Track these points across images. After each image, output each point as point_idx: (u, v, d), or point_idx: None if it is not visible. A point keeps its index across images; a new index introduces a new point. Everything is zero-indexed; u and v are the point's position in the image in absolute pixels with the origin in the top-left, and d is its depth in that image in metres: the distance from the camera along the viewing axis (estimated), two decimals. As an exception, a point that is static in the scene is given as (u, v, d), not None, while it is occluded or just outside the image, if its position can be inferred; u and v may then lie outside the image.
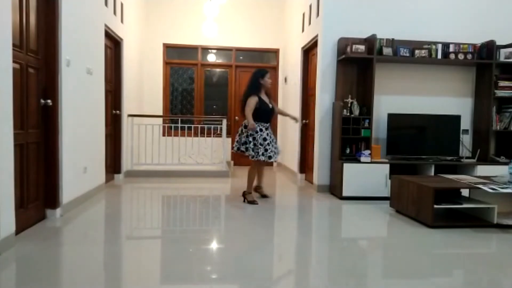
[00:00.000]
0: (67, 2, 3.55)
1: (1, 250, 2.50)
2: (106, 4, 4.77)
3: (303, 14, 5.94)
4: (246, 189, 4.38)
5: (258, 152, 4.20)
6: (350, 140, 4.79)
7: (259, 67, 7.63)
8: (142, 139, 6.38)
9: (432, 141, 4.88)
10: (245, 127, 4.29)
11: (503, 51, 4.80)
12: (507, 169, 3.75)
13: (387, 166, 4.61)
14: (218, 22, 7.08)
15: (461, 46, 4.80)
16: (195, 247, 2.80)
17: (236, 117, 7.53)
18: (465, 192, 3.99)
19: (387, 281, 2.32)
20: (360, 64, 4.88)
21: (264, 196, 4.58)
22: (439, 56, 4.77)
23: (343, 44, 4.80)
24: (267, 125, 4.37)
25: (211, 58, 7.71)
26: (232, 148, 4.50)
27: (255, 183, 4.54)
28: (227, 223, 3.49)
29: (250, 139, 4.24)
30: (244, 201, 4.30)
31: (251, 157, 4.25)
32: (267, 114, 4.35)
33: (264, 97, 4.37)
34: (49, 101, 3.33)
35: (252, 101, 4.25)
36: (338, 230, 3.54)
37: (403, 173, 4.63)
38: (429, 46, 4.76)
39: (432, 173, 4.64)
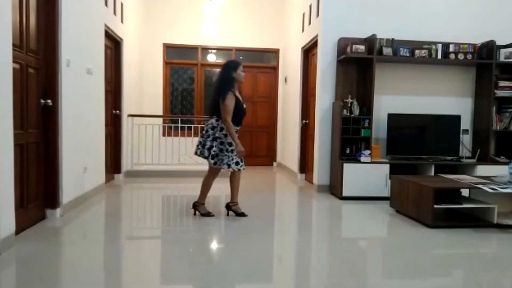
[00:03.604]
0: (67, 2, 3.55)
1: (1, 250, 2.50)
2: (106, 4, 4.77)
3: (303, 14, 5.94)
4: (231, 200, 3.68)
5: (232, 160, 3.47)
6: (350, 140, 4.79)
7: (259, 67, 7.68)
8: (142, 139, 6.38)
9: (432, 141, 4.88)
10: (213, 128, 3.52)
11: (503, 51, 4.80)
12: (507, 169, 3.75)
13: (387, 166, 4.61)
14: (218, 22, 7.08)
15: (461, 46, 4.80)
16: (195, 247, 2.80)
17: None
18: (465, 192, 3.99)
19: (387, 281, 2.32)
20: (360, 64, 4.88)
21: (240, 214, 3.68)
22: (439, 56, 4.77)
23: (343, 44, 4.80)
24: (238, 128, 3.57)
25: (211, 58, 7.71)
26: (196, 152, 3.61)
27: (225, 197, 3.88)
28: (227, 223, 3.49)
29: (222, 146, 3.48)
30: (227, 214, 3.66)
31: (227, 168, 3.49)
32: (241, 116, 3.56)
33: (238, 95, 3.57)
34: (49, 101, 3.33)
35: (231, 102, 3.40)
36: (338, 230, 3.54)
37: (403, 173, 4.63)
38: (429, 46, 4.76)
39: (432, 173, 4.64)
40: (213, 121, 3.54)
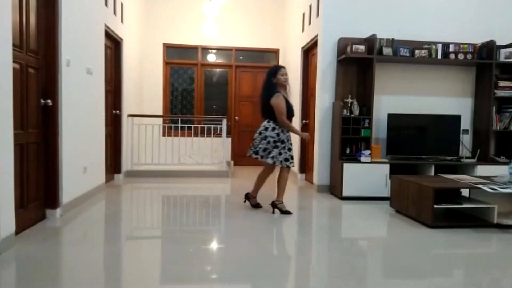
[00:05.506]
0: (67, 2, 3.55)
1: (1, 250, 2.50)
2: (106, 4, 4.77)
3: (303, 14, 5.94)
4: (276, 198, 3.91)
5: (285, 158, 3.78)
6: (350, 140, 4.79)
7: (259, 67, 7.67)
8: (142, 139, 6.38)
9: (432, 141, 4.88)
10: (266, 129, 3.82)
11: (503, 51, 4.80)
12: (507, 169, 3.75)
13: (387, 166, 4.61)
14: (218, 22, 7.08)
15: (461, 46, 4.80)
16: (195, 247, 2.80)
17: (236, 117, 7.52)
18: (465, 192, 3.99)
19: (387, 281, 2.32)
20: (360, 64, 4.88)
21: (256, 205, 4.09)
22: (439, 56, 4.77)
23: (343, 44, 4.80)
24: None
25: (211, 58, 7.71)
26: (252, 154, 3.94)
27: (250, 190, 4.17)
28: (227, 223, 3.49)
29: (273, 144, 3.79)
30: (273, 212, 3.86)
31: (278, 164, 3.79)
32: (290, 116, 3.85)
33: (285, 94, 3.88)
34: (49, 101, 3.33)
35: (280, 101, 3.71)
36: (338, 230, 3.54)
37: (403, 173, 4.63)
38: (429, 46, 4.76)
39: (432, 173, 4.64)
40: (265, 123, 3.86)
